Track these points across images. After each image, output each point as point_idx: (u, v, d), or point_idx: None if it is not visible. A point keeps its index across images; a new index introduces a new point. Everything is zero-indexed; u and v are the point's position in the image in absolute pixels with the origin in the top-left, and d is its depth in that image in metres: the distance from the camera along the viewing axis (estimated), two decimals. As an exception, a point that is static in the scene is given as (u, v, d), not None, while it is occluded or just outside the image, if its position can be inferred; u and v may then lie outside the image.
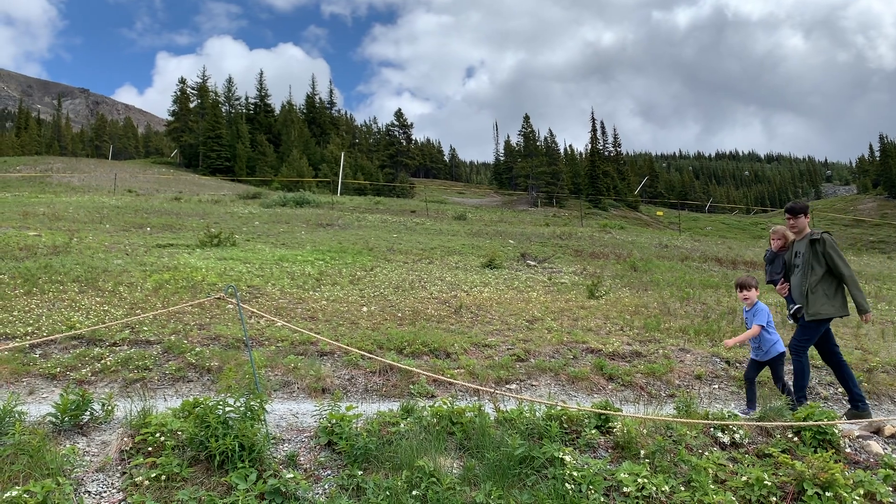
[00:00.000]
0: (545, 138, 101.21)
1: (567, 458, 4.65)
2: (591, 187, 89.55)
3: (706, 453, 5.09)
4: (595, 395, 7.20)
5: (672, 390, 7.41)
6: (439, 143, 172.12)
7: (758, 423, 5.52)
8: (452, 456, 4.83)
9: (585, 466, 4.64)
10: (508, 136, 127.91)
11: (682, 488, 4.57)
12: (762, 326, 6.36)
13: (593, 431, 5.21)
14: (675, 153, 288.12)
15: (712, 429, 5.43)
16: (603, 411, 5.38)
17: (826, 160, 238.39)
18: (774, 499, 4.53)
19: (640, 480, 4.49)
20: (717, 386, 7.63)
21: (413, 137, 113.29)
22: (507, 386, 7.30)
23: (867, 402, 6.55)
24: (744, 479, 4.68)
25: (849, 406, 6.50)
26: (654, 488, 4.45)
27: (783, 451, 5.11)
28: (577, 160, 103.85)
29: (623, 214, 79.58)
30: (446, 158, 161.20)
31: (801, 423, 5.35)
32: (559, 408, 5.40)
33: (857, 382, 6.46)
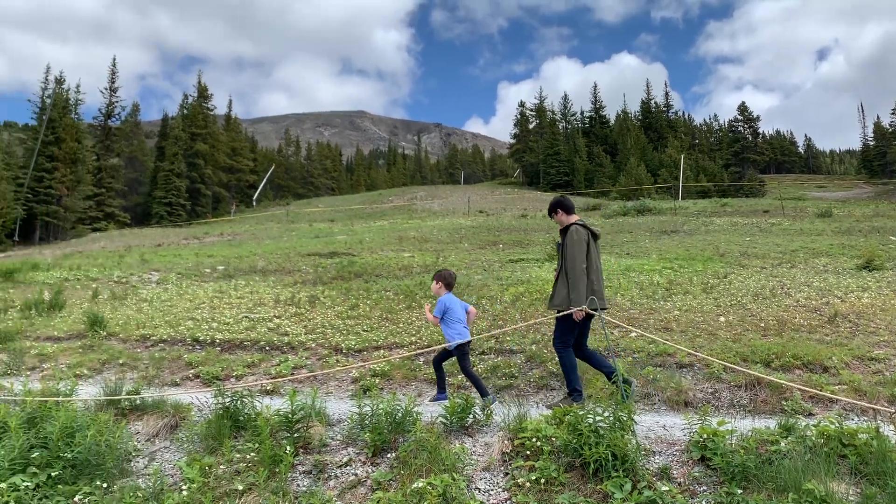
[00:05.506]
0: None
1: None
2: None
3: None
4: None
5: None
6: (791, 134, 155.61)
7: None
8: (847, 482, 4.31)
9: None
10: (878, 118, 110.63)
11: None
12: (438, 318, 6.60)
13: None
14: None
15: None
16: None
17: None
18: None
19: None
20: None
21: (760, 131, 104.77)
22: (906, 406, 6.30)
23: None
24: None
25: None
26: None
27: None
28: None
29: None
30: (800, 150, 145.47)
31: None
32: None
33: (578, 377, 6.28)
